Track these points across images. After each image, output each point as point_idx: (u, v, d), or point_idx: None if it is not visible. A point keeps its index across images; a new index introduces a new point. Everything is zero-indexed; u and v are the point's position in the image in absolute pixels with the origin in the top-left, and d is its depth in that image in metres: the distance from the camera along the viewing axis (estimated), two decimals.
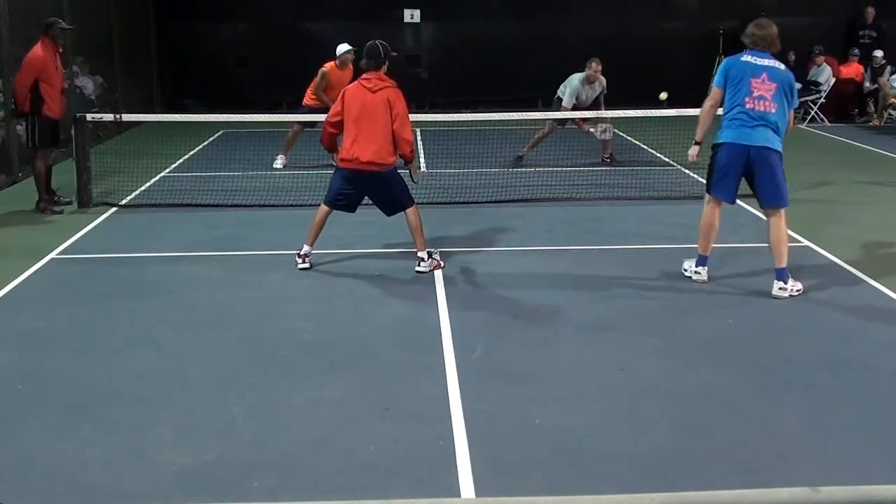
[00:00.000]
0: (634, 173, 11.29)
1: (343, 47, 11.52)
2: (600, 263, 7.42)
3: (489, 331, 5.91)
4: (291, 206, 9.40)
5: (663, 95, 11.08)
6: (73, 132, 9.61)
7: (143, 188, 10.64)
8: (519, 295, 6.65)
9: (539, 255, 7.76)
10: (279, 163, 11.93)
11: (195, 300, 6.66)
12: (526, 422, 4.60)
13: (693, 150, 7.01)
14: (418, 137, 14.18)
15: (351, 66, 11.45)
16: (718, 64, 15.26)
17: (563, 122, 12.01)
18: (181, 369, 5.33)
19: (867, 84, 17.06)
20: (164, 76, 18.35)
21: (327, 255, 7.52)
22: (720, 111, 6.76)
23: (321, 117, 10.33)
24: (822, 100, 16.59)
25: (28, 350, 5.63)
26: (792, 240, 8.17)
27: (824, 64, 16.57)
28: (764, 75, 6.50)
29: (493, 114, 12.39)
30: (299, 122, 11.80)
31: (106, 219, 9.19)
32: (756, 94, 6.46)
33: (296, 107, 12.38)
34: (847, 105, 17.18)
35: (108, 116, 11.11)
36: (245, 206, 9.58)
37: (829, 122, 16.52)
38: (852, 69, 17.06)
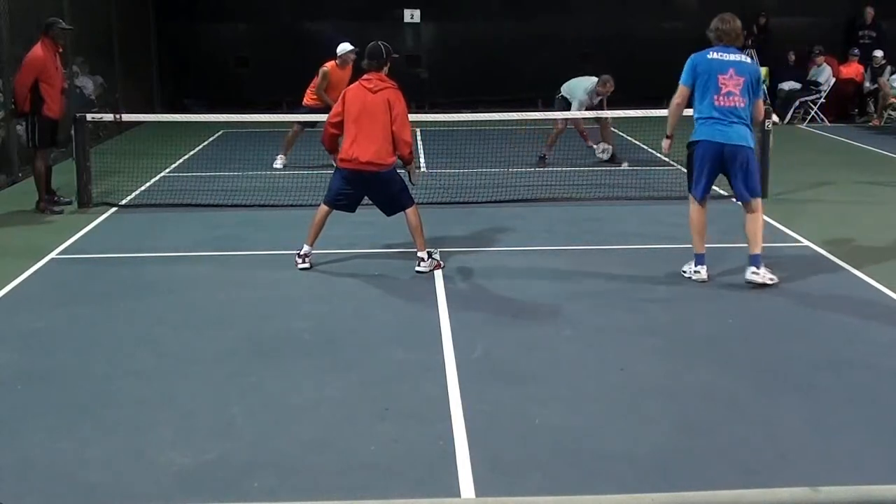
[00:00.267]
0: (634, 173, 11.29)
1: (344, 47, 11.52)
2: (600, 263, 7.42)
3: (489, 331, 5.91)
4: (291, 206, 9.40)
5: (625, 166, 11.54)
6: (73, 132, 9.61)
7: (143, 188, 10.65)
8: (519, 295, 6.65)
9: (539, 255, 7.76)
10: (279, 163, 11.93)
11: (195, 300, 6.66)
12: (526, 422, 4.60)
13: (665, 143, 7.14)
14: (418, 137, 14.18)
15: (351, 65, 11.44)
16: None
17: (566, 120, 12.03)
18: (181, 369, 5.33)
19: (867, 84, 17.06)
20: (164, 76, 18.36)
21: (327, 255, 7.52)
22: (689, 111, 6.88)
23: (321, 117, 10.35)
24: (822, 100, 16.59)
25: (28, 350, 5.63)
26: (792, 240, 8.19)
27: (824, 64, 16.57)
28: (731, 70, 6.58)
29: (493, 114, 12.41)
30: (299, 123, 11.80)
31: (106, 219, 9.19)
32: (724, 90, 6.56)
33: (296, 107, 12.39)
34: (847, 105, 17.18)
35: (108, 116, 11.13)
36: (245, 206, 9.58)
37: (829, 122, 16.52)
38: (852, 69, 17.06)
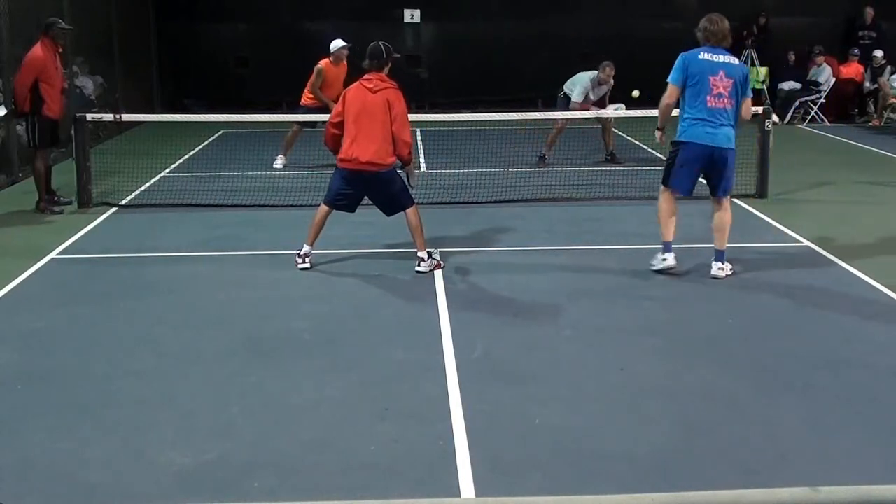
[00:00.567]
0: (634, 173, 11.28)
1: (336, 43, 11.50)
2: (600, 263, 7.42)
3: (489, 330, 5.91)
4: (291, 206, 9.40)
5: (636, 93, 11.25)
6: (73, 132, 9.60)
7: (143, 188, 10.65)
8: (519, 295, 6.65)
9: (539, 255, 7.76)
10: (279, 163, 11.93)
11: (195, 300, 6.66)
12: (526, 422, 4.60)
13: (657, 134, 7.24)
14: (418, 137, 14.19)
15: (346, 61, 11.43)
16: None
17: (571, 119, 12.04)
18: (181, 369, 5.33)
19: (867, 84, 17.06)
20: (164, 76, 18.36)
21: (327, 255, 7.52)
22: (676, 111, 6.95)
23: (319, 117, 10.36)
24: (822, 100, 16.59)
25: (28, 350, 5.64)
26: (792, 240, 8.20)
27: (824, 64, 16.57)
28: (721, 72, 6.66)
29: (493, 114, 12.40)
30: (298, 123, 11.80)
31: (106, 219, 9.20)
32: (715, 91, 6.64)
33: (295, 107, 12.39)
34: (847, 105, 17.18)
35: (108, 116, 11.11)
36: (245, 206, 9.58)
37: (829, 122, 16.52)
38: (852, 69, 17.06)
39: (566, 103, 11.85)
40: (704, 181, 7.03)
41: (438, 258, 7.30)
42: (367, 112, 6.94)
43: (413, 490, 3.93)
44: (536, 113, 12.42)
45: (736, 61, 6.80)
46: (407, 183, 7.34)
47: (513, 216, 9.16)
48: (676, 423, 4.58)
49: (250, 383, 5.10)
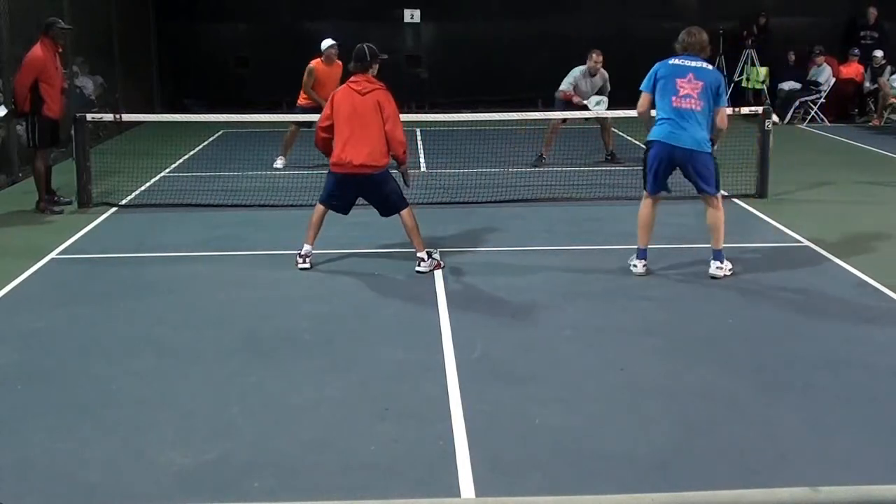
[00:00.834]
0: (634, 173, 11.19)
1: (325, 42, 11.51)
2: (600, 263, 7.42)
3: (489, 330, 5.91)
4: (291, 206, 9.40)
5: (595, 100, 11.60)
6: (73, 132, 9.60)
7: (143, 188, 10.65)
8: (519, 295, 6.65)
9: (539, 255, 7.76)
10: (279, 163, 11.93)
11: (195, 300, 6.66)
12: (526, 422, 4.60)
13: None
14: (418, 137, 14.20)
15: (339, 61, 11.42)
16: (717, 65, 15.26)
17: (566, 119, 12.04)
18: (181, 369, 5.33)
19: (867, 84, 17.06)
20: (164, 76, 18.36)
21: (327, 255, 7.53)
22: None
23: (315, 117, 10.35)
24: (822, 100, 16.58)
25: (28, 350, 5.63)
26: (792, 240, 8.19)
27: (824, 64, 16.56)
28: (690, 75, 6.72)
29: (493, 114, 12.40)
30: (295, 123, 11.80)
31: (106, 219, 9.20)
32: (682, 93, 6.68)
33: (293, 107, 12.39)
34: (847, 105, 17.17)
35: (108, 116, 11.12)
36: (245, 206, 9.58)
37: (829, 122, 16.52)
38: (852, 69, 17.05)
39: (561, 102, 11.87)
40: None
41: (438, 258, 7.30)
42: (357, 115, 6.94)
43: (413, 490, 3.93)
44: (536, 113, 12.42)
45: (710, 68, 6.83)
46: (403, 183, 7.34)
47: (513, 216, 9.16)
48: (676, 423, 4.58)
49: (250, 383, 5.10)
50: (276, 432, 4.50)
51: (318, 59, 11.58)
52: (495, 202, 9.74)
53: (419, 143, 13.91)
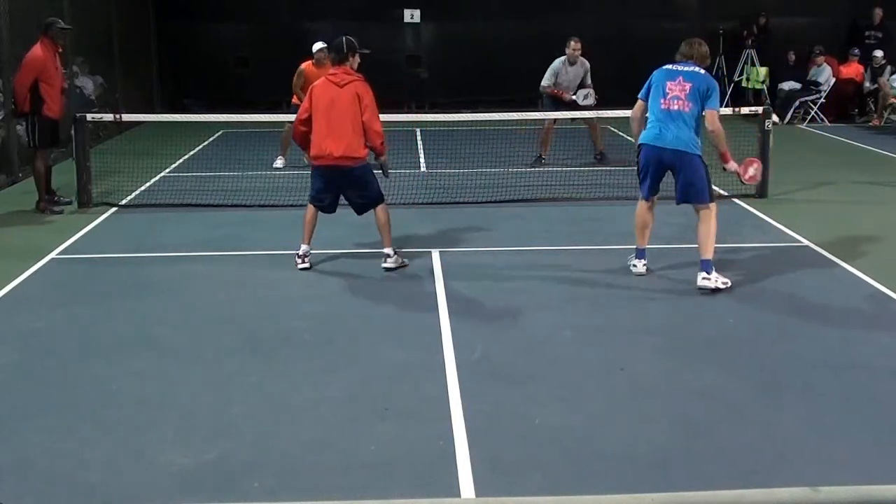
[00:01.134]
0: (634, 173, 11.27)
1: (316, 45, 11.51)
2: (600, 263, 7.42)
3: (489, 330, 5.91)
4: (291, 206, 9.38)
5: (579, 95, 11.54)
6: (73, 132, 9.60)
7: (143, 188, 10.65)
8: (519, 295, 6.65)
9: (539, 255, 7.76)
10: (279, 163, 11.94)
11: (195, 300, 6.66)
12: (526, 422, 4.60)
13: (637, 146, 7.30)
14: (418, 137, 14.20)
15: (329, 63, 11.42)
16: (717, 65, 15.25)
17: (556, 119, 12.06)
18: (181, 369, 5.33)
19: (867, 84, 17.05)
20: (164, 76, 18.35)
21: (327, 256, 7.53)
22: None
23: None
24: (822, 100, 16.58)
25: (28, 350, 5.63)
26: (792, 240, 8.19)
27: (824, 64, 16.56)
28: (679, 78, 6.74)
29: (493, 114, 12.40)
30: (291, 123, 11.79)
31: (106, 219, 9.19)
32: (671, 95, 6.70)
33: (290, 105, 12.39)
34: (847, 105, 17.17)
35: (108, 116, 11.12)
36: (245, 206, 9.58)
37: (829, 122, 16.51)
38: (852, 69, 17.05)
39: (549, 99, 11.90)
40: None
41: (403, 258, 7.29)
42: (335, 107, 6.96)
43: (413, 490, 3.93)
44: (536, 113, 12.41)
45: (702, 72, 6.77)
46: (382, 174, 7.36)
47: (513, 216, 9.16)
48: (676, 423, 4.58)
49: (250, 383, 5.10)
50: (276, 432, 4.50)
51: (309, 61, 11.59)
52: (495, 202, 9.74)
53: (419, 143, 13.92)
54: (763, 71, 17.48)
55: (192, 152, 13.35)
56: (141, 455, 4.26)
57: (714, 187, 7.10)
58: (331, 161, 6.97)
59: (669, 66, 6.87)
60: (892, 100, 16.40)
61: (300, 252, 7.21)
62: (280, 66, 17.16)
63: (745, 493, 2.25)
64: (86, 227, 8.78)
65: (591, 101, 11.79)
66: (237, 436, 4.47)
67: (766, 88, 17.47)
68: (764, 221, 8.88)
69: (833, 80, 16.54)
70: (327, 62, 11.45)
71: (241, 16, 18.72)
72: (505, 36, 18.43)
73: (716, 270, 6.63)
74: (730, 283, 6.63)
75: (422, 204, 9.66)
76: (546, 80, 11.85)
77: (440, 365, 5.29)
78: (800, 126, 16.34)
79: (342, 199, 7.31)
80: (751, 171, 7.28)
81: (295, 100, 11.81)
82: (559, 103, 11.81)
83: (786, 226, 8.59)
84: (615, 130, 13.88)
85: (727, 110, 6.97)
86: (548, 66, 12.04)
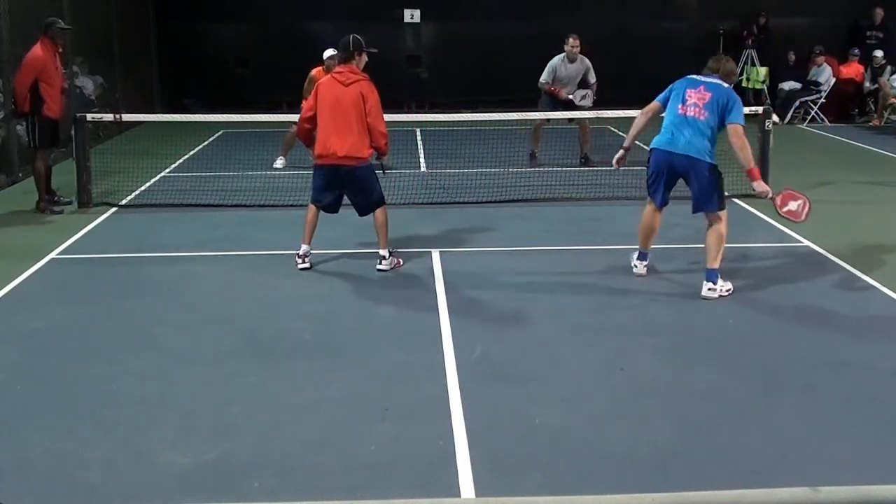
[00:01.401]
0: (634, 173, 11.22)
1: (328, 52, 11.51)
2: (600, 263, 7.42)
3: (489, 331, 5.91)
4: (291, 206, 9.38)
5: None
6: (73, 132, 9.60)
7: (143, 188, 10.65)
8: (519, 295, 6.65)
9: (539, 256, 7.76)
10: (279, 163, 11.93)
11: (195, 300, 6.66)
12: (526, 422, 4.60)
13: (618, 154, 7.25)
14: (418, 137, 14.19)
15: None
16: None
17: (547, 119, 12.06)
18: (181, 369, 5.33)
19: (867, 84, 17.06)
20: (164, 76, 18.35)
21: (327, 256, 7.53)
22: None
23: None
24: (822, 100, 16.58)
25: (28, 350, 5.63)
26: (792, 240, 8.19)
27: (824, 64, 16.56)
28: (701, 87, 6.66)
29: (493, 114, 12.40)
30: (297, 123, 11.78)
31: (106, 219, 9.19)
32: (689, 101, 6.63)
33: (296, 106, 12.38)
34: (847, 105, 17.17)
35: (108, 116, 11.12)
36: (245, 206, 9.58)
37: (829, 122, 16.51)
38: (852, 69, 17.05)
39: (547, 96, 11.90)
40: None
41: (398, 259, 7.29)
42: (340, 106, 6.95)
43: (413, 490, 3.93)
44: (536, 113, 12.40)
45: (725, 85, 6.69)
46: (381, 169, 7.38)
47: (513, 216, 9.16)
48: (676, 423, 4.58)
49: (250, 383, 5.10)
50: (276, 432, 4.50)
51: (320, 67, 11.58)
52: (495, 202, 9.74)
53: (419, 143, 13.92)
54: (763, 71, 17.48)
55: (192, 152, 13.35)
56: (141, 455, 4.26)
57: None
58: (334, 160, 6.97)
59: (694, 76, 6.79)
60: (892, 100, 16.40)
61: (300, 252, 7.21)
62: (280, 66, 17.22)
63: (745, 493, 2.25)
64: (86, 227, 8.78)
65: (588, 102, 11.79)
66: (237, 436, 4.47)
67: (766, 88, 17.47)
68: (764, 221, 8.87)
69: (833, 80, 16.54)
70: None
71: (241, 16, 18.72)
72: (505, 36, 18.42)
73: (720, 276, 6.58)
74: (732, 290, 6.59)
75: (422, 204, 9.66)
76: (544, 77, 11.86)
77: (440, 365, 5.29)
78: (800, 126, 16.34)
79: (345, 200, 7.31)
80: (792, 205, 6.87)
81: (304, 102, 11.80)
82: (556, 101, 11.81)
83: (785, 226, 8.58)
84: (615, 130, 13.88)
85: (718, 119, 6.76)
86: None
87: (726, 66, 6.83)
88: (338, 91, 6.99)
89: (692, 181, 6.61)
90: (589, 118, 11.91)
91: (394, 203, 9.16)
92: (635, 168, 11.71)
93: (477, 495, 3.90)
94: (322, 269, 7.26)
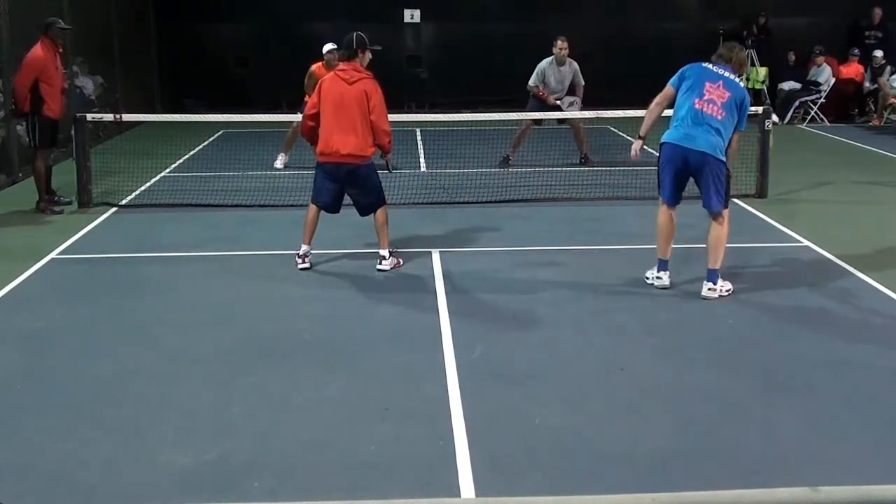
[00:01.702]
0: (634, 173, 11.26)
1: (327, 46, 11.52)
2: (600, 263, 7.42)
3: (489, 331, 5.91)
4: (291, 206, 9.38)
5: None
6: (73, 132, 9.61)
7: (143, 188, 10.65)
8: (519, 295, 6.65)
9: (539, 255, 7.76)
10: (279, 163, 11.93)
11: (195, 300, 6.66)
12: (526, 422, 4.60)
13: (636, 145, 6.90)
14: (418, 137, 14.20)
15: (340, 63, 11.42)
16: None
17: (539, 121, 12.04)
18: (181, 369, 5.33)
19: (867, 84, 17.06)
20: (164, 76, 18.36)
21: (327, 256, 7.53)
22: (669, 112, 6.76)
23: None
24: (822, 100, 16.58)
25: (28, 350, 5.63)
26: (792, 240, 8.19)
27: (824, 64, 16.56)
28: (720, 82, 6.48)
29: (493, 114, 12.40)
30: (298, 122, 11.79)
31: (106, 219, 9.20)
32: (707, 97, 6.43)
33: (297, 106, 12.38)
34: (847, 105, 17.17)
35: (108, 116, 11.12)
36: (245, 206, 9.58)
37: (829, 122, 16.52)
38: (852, 69, 17.06)
39: (535, 99, 11.91)
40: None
41: (398, 259, 7.28)
42: (344, 104, 6.94)
43: (413, 490, 3.93)
44: (536, 113, 12.41)
45: (741, 84, 6.60)
46: (387, 168, 7.38)
47: (513, 216, 9.16)
48: (676, 424, 4.58)
49: (250, 383, 5.10)
50: (276, 432, 4.50)
51: (320, 63, 11.58)
52: (495, 202, 9.75)
53: (419, 143, 13.92)
54: (763, 71, 17.48)
55: (192, 152, 13.35)
56: (141, 455, 4.26)
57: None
58: (337, 158, 6.97)
59: (709, 67, 6.56)
60: (892, 100, 16.41)
61: (300, 252, 7.21)
62: (280, 66, 17.22)
63: (745, 493, 2.25)
64: (86, 227, 8.78)
65: (575, 109, 11.81)
66: (237, 436, 4.47)
67: (766, 88, 17.47)
68: (764, 221, 8.88)
69: (833, 80, 16.54)
70: (337, 63, 11.48)
71: (241, 16, 18.73)
72: (505, 36, 18.44)
73: (720, 277, 6.56)
74: (732, 290, 6.58)
75: (422, 204, 9.66)
76: (533, 80, 11.87)
77: (440, 365, 5.29)
78: (800, 126, 16.35)
79: (346, 200, 7.31)
80: None
81: (307, 98, 11.81)
82: (544, 105, 11.82)
83: (786, 226, 8.59)
84: (615, 130, 13.88)
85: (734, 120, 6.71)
86: None
87: (739, 56, 6.67)
88: (342, 89, 6.98)
89: (705, 177, 6.45)
90: (580, 119, 11.90)
91: (394, 203, 9.16)
92: (635, 168, 11.73)
93: (477, 495, 3.90)
94: (322, 270, 7.26)
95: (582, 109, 11.91)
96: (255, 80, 18.39)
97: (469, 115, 13.30)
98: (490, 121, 13.38)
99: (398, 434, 4.46)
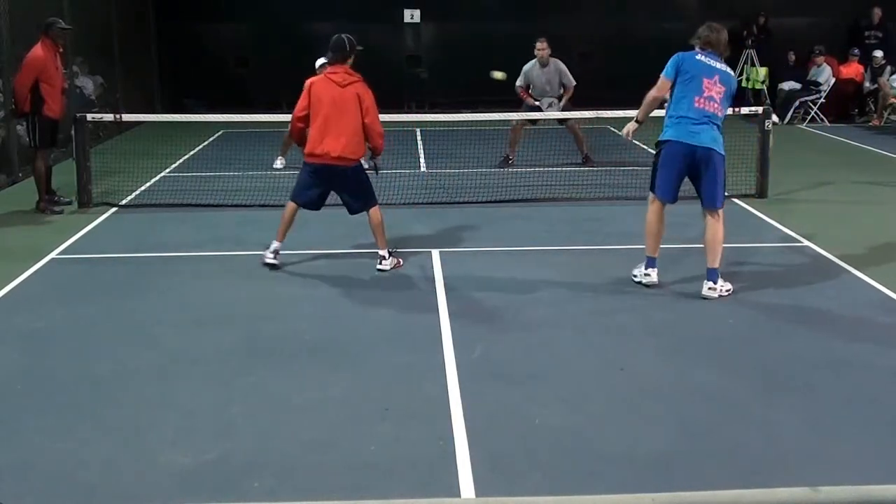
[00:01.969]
0: (634, 173, 11.25)
1: (320, 61, 11.49)
2: (600, 263, 7.42)
3: (489, 331, 5.91)
4: None
5: (498, 75, 11.47)
6: (73, 132, 9.61)
7: (143, 188, 10.65)
8: (519, 295, 6.65)
9: (539, 255, 7.76)
10: (279, 163, 11.94)
11: (195, 300, 6.66)
12: (526, 422, 4.60)
13: (630, 126, 6.88)
14: (418, 137, 14.20)
15: None
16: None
17: (534, 120, 12.05)
18: (181, 369, 5.33)
19: (867, 84, 17.06)
20: (164, 76, 18.36)
21: (327, 256, 7.53)
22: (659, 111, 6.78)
23: None
24: (822, 100, 16.58)
25: (28, 350, 5.64)
26: (792, 240, 8.19)
27: (824, 64, 16.56)
28: (716, 77, 6.48)
29: (493, 114, 12.40)
30: None
31: (106, 219, 9.20)
32: (707, 94, 6.43)
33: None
34: (847, 105, 17.17)
35: (108, 116, 11.12)
36: (245, 206, 9.58)
37: (829, 122, 16.51)
38: (852, 69, 17.06)
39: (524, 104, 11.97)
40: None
41: (398, 259, 7.28)
42: (336, 106, 6.95)
43: (413, 490, 3.93)
44: (536, 113, 12.41)
45: (731, 72, 6.64)
46: (374, 168, 7.36)
47: (513, 216, 9.16)
48: (676, 424, 4.58)
49: (250, 383, 5.10)
50: (277, 432, 4.50)
51: (314, 78, 11.54)
52: (495, 202, 9.75)
53: (419, 143, 13.92)
54: (763, 71, 17.48)
55: (192, 152, 13.35)
56: (141, 455, 4.26)
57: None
58: (328, 160, 6.97)
59: (703, 59, 6.50)
60: (892, 100, 16.41)
61: (272, 248, 7.21)
62: (280, 66, 17.23)
63: (745, 493, 2.25)
64: (86, 227, 8.78)
65: (554, 110, 11.83)
66: (237, 436, 4.47)
67: (766, 88, 17.47)
68: (764, 221, 8.88)
69: (833, 80, 16.54)
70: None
71: (241, 16, 18.73)
72: (505, 36, 18.42)
73: (720, 276, 6.55)
74: (732, 290, 6.58)
75: (422, 204, 9.66)
76: (518, 82, 11.92)
77: (440, 365, 5.29)
78: (800, 126, 16.34)
79: (337, 200, 7.30)
80: None
81: None
82: (530, 106, 11.87)
83: (786, 226, 8.59)
84: (615, 131, 13.87)
85: (727, 111, 6.75)
86: None
87: (724, 39, 6.63)
88: (334, 92, 6.98)
89: (706, 173, 6.42)
90: (576, 119, 11.90)
91: (394, 203, 9.18)
92: (635, 168, 11.73)
93: (477, 495, 3.90)
94: (322, 269, 7.26)
95: (583, 110, 11.89)
96: (255, 80, 18.39)
97: (469, 115, 13.30)
98: (490, 121, 13.37)
99: (398, 434, 4.46)
